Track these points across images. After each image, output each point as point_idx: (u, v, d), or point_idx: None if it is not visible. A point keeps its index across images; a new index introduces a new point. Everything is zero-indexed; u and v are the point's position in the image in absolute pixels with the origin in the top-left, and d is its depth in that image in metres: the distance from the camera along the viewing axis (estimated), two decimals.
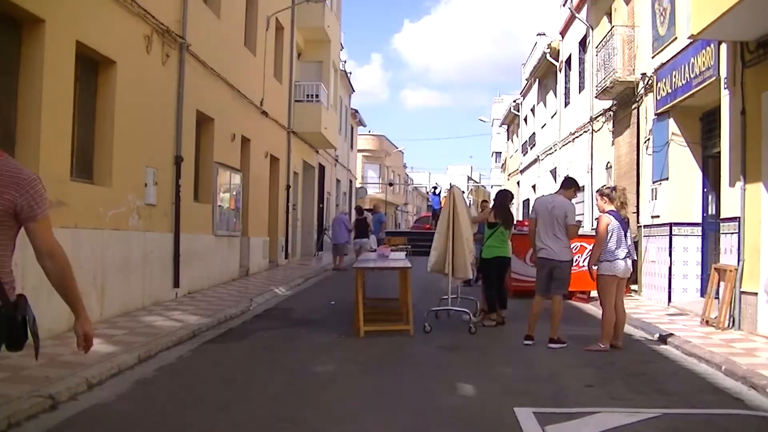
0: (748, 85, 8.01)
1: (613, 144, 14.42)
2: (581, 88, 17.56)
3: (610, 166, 14.73)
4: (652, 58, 11.63)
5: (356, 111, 34.59)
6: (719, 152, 8.98)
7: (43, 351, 6.07)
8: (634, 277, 12.00)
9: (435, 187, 15.64)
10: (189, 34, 10.69)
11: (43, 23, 6.77)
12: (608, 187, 7.99)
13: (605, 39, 13.61)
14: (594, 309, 10.84)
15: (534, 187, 25.41)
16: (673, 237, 10.77)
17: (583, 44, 17.54)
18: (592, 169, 16.34)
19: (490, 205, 9.74)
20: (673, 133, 10.89)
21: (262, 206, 16.45)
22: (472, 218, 9.29)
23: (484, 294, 9.40)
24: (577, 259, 11.67)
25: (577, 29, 18.06)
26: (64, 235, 7.19)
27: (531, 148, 26.33)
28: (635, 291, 12.09)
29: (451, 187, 9.06)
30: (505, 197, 9.56)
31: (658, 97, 11.23)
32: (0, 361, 5.67)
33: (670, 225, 10.82)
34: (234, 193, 13.84)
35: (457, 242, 8.39)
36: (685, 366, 6.50)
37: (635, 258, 8.18)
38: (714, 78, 8.93)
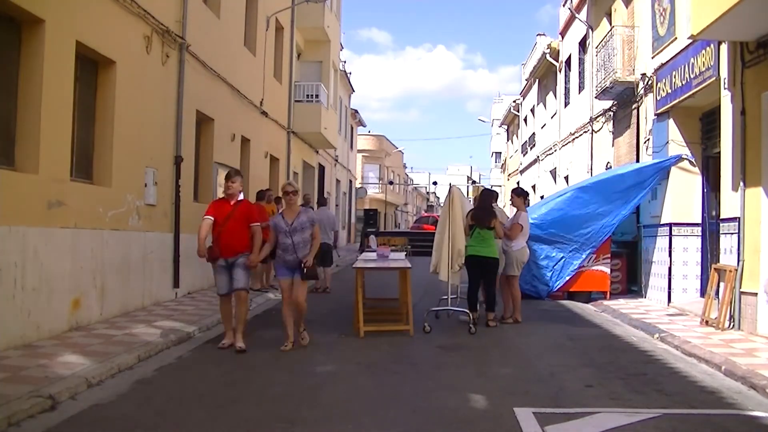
0: (748, 85, 8.01)
1: (613, 144, 14.41)
2: (581, 88, 17.55)
3: (610, 167, 14.71)
4: (652, 58, 11.63)
5: (356, 111, 34.63)
6: (719, 152, 8.98)
7: (42, 351, 6.11)
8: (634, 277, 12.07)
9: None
10: (189, 34, 10.69)
11: (43, 23, 6.77)
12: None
13: (605, 39, 13.61)
14: (591, 309, 10.84)
15: (534, 187, 25.39)
16: (672, 237, 10.77)
17: (583, 44, 17.54)
18: (592, 169, 16.32)
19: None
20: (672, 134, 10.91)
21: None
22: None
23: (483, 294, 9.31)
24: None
25: (577, 29, 18.06)
26: (64, 235, 7.20)
27: (531, 149, 26.32)
28: (636, 291, 12.08)
29: (450, 187, 9.04)
30: (488, 197, 9.22)
31: (658, 98, 11.23)
32: (0, 361, 5.69)
33: (670, 225, 10.82)
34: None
35: (451, 242, 8.41)
36: (684, 366, 6.50)
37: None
38: (714, 78, 8.93)
